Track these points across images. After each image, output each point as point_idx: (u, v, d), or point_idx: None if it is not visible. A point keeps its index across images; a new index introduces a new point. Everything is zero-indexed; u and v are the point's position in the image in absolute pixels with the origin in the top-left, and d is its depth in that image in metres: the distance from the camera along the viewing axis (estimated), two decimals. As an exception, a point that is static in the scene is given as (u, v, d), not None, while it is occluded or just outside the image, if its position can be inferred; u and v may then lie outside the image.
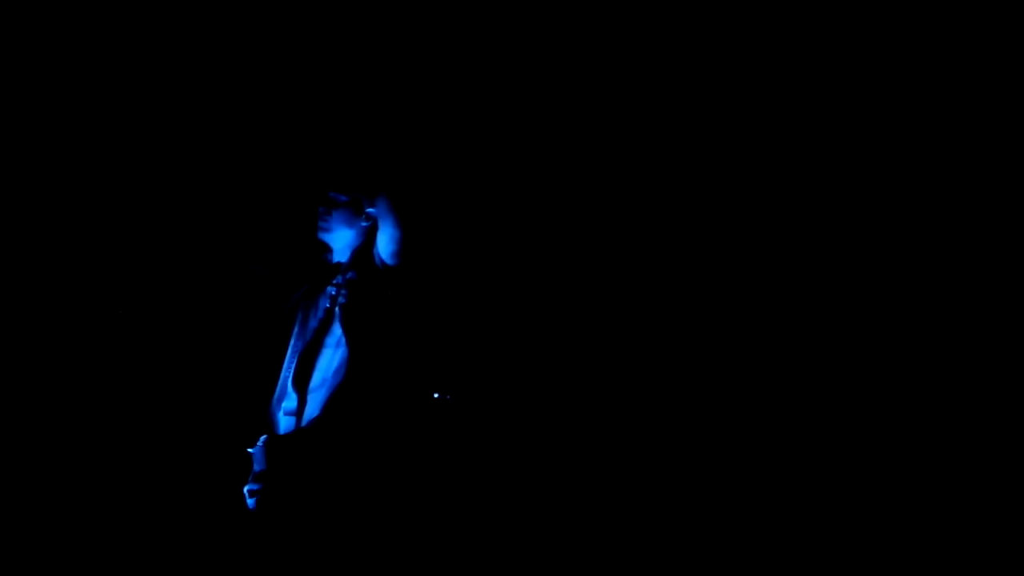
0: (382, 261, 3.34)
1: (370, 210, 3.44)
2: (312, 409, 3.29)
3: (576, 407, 4.25)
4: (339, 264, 3.49)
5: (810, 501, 4.12)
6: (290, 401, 3.33)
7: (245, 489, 3.25)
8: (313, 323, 3.41)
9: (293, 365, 3.36)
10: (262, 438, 3.28)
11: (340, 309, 3.36)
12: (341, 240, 3.50)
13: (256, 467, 3.25)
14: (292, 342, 3.43)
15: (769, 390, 4.21)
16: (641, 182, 4.29)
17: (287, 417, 3.33)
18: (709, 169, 4.28)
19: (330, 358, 3.33)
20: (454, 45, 4.11)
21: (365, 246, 3.44)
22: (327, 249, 3.54)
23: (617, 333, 4.28)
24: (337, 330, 3.34)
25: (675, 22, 4.17)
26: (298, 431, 3.28)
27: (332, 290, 3.42)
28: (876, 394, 4.15)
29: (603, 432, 4.24)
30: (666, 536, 4.15)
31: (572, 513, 4.16)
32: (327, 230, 3.50)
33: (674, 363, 4.26)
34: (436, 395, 3.39)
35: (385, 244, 3.32)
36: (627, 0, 4.17)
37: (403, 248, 3.31)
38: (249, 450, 3.28)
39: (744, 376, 4.23)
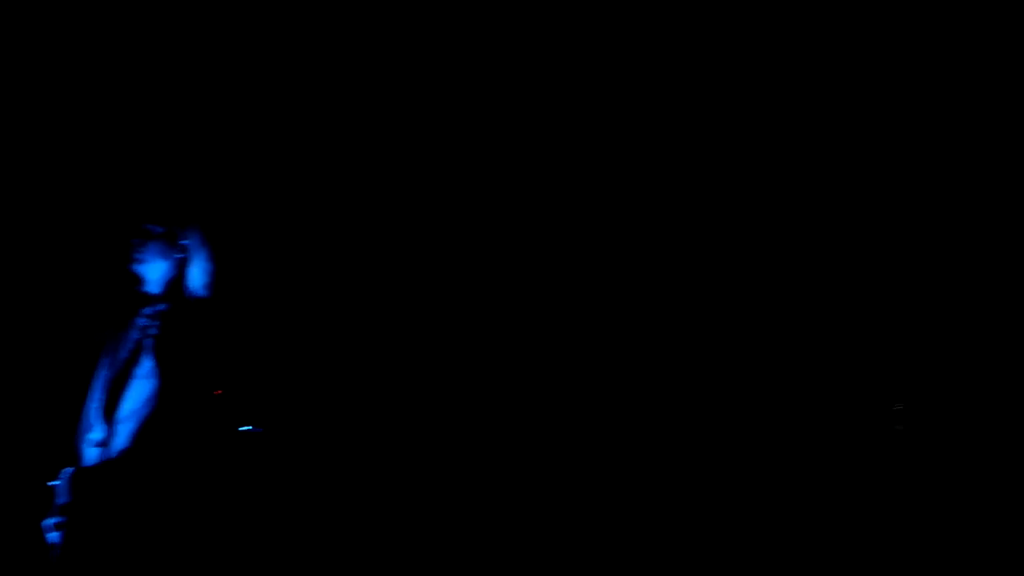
0: (193, 293, 3.35)
1: (184, 242, 3.44)
2: (120, 440, 3.27)
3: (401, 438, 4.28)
4: (151, 295, 3.48)
5: (810, 500, 4.13)
6: (97, 432, 3.30)
7: (48, 523, 3.21)
8: (123, 354, 3.39)
9: (101, 396, 3.33)
10: (67, 470, 3.24)
11: (151, 340, 3.35)
12: (155, 272, 3.49)
13: (59, 500, 3.21)
14: (101, 372, 3.40)
15: (759, 389, 4.21)
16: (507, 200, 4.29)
17: (94, 448, 3.29)
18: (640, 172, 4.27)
19: (140, 389, 3.31)
20: (273, 82, 4.13)
21: (178, 278, 3.44)
22: (140, 280, 3.52)
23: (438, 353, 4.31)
24: (147, 361, 3.33)
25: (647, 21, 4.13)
26: (106, 463, 3.25)
27: (143, 321, 3.41)
28: (875, 393, 4.18)
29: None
30: (641, 537, 4.12)
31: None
32: (141, 261, 3.48)
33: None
34: (246, 427, 3.40)
35: (197, 276, 3.33)
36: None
37: (215, 280, 3.32)
38: (51, 483, 3.24)
39: (719, 377, 4.22)
